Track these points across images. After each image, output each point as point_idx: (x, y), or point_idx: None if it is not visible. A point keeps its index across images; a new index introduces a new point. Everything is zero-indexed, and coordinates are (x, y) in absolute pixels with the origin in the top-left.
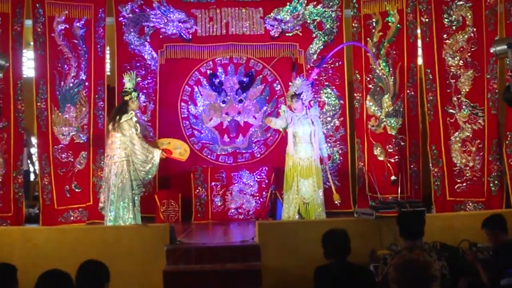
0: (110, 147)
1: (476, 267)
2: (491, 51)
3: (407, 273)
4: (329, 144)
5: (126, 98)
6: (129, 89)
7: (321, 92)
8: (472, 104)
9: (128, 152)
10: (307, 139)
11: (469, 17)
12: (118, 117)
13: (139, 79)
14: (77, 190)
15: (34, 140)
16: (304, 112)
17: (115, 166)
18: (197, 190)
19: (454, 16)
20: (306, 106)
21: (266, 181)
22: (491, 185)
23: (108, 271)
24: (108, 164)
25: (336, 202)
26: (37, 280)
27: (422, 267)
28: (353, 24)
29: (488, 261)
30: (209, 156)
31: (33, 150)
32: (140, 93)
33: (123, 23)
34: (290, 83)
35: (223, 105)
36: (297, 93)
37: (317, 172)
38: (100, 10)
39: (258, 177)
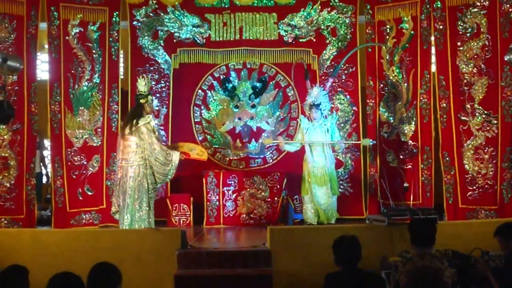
0: (124, 151)
1: (487, 275)
2: (506, 58)
3: (419, 280)
4: (341, 150)
5: (143, 101)
6: (145, 92)
7: (335, 98)
8: (485, 112)
9: (144, 156)
10: (322, 147)
11: (484, 24)
12: (135, 120)
13: (153, 83)
14: (89, 193)
15: (47, 143)
16: (322, 121)
17: (132, 170)
18: (209, 195)
19: (468, 23)
20: (324, 116)
21: (278, 186)
22: (504, 193)
23: (120, 274)
24: (123, 168)
25: None
26: (48, 282)
27: (434, 274)
28: (367, 31)
29: (499, 269)
30: (221, 161)
31: (46, 153)
32: (153, 97)
33: (137, 27)
34: (307, 94)
35: (236, 110)
36: (315, 103)
37: (332, 179)
38: (115, 14)
39: (270, 182)
